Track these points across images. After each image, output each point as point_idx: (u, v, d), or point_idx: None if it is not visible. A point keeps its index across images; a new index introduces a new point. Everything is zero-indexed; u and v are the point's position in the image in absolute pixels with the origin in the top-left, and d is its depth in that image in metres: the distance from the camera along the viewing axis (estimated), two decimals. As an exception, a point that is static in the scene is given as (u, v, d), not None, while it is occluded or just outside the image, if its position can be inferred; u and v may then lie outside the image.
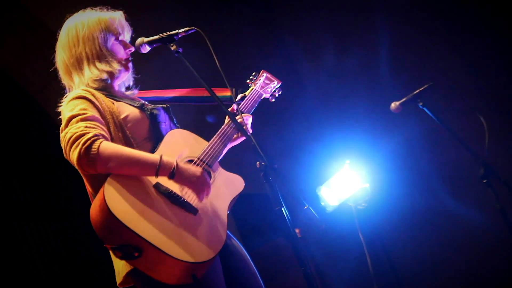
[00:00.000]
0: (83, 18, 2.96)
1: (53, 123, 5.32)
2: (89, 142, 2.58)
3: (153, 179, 2.66)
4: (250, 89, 3.36)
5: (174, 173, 2.64)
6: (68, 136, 2.63)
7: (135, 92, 3.07)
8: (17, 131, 5.46)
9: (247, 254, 2.96)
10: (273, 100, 3.46)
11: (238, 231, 5.55)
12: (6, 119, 5.39)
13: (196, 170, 2.71)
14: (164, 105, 3.05)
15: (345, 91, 7.02)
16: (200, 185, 2.68)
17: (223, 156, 2.99)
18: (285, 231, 2.64)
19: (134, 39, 3.03)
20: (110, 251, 2.60)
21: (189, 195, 2.69)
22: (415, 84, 3.97)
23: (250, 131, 3.05)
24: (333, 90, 7.11)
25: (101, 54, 2.91)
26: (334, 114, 7.15)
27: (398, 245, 6.92)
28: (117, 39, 2.97)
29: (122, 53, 2.98)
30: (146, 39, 2.98)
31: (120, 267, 2.69)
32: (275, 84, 3.46)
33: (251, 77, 3.43)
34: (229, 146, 3.07)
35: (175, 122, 3.04)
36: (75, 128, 2.64)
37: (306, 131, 6.93)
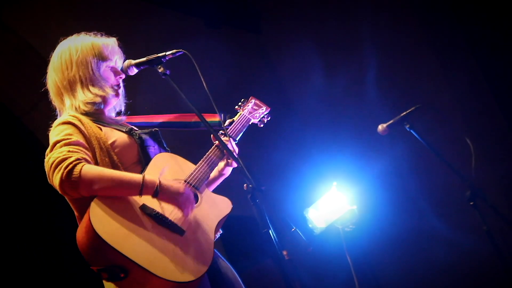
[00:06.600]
0: (76, 42, 2.97)
1: (41, 144, 5.30)
2: (71, 166, 2.59)
3: (139, 201, 2.67)
4: (238, 114, 3.37)
5: (158, 191, 2.66)
6: (51, 160, 2.64)
7: (123, 118, 3.08)
8: (3, 153, 5.42)
9: (237, 276, 2.97)
10: (262, 126, 3.48)
11: (225, 254, 5.51)
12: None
13: (179, 186, 2.73)
14: (153, 130, 3.06)
15: (332, 113, 7.04)
16: (184, 200, 2.70)
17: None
18: (273, 253, 2.64)
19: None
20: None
21: (175, 216, 2.69)
22: (402, 106, 3.99)
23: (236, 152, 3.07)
24: (320, 112, 7.13)
25: (94, 79, 2.92)
26: (321, 136, 7.16)
27: (386, 267, 6.90)
28: (108, 65, 2.99)
29: (112, 79, 2.99)
30: (133, 62, 3.00)
31: None
32: (264, 110, 3.48)
33: (239, 103, 3.45)
34: (220, 178, 3.12)
35: (165, 146, 3.04)
36: (58, 152, 2.65)
37: (293, 153, 6.93)
